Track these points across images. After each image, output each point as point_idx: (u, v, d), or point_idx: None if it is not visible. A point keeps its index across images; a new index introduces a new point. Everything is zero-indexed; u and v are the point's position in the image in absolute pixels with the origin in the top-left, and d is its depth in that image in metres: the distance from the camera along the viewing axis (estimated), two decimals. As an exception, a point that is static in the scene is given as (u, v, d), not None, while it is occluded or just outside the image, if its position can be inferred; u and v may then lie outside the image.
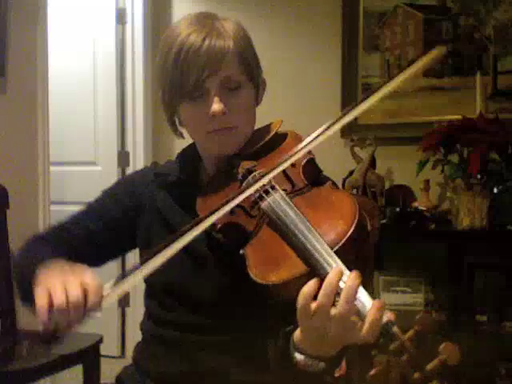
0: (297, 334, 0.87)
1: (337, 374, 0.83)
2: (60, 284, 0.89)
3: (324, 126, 0.95)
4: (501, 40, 2.63)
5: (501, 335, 2.34)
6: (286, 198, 0.97)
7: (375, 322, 0.78)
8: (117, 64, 3.45)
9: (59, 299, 0.87)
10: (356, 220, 0.88)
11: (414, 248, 2.53)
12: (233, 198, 0.93)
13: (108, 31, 3.45)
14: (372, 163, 2.68)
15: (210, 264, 1.10)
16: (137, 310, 3.30)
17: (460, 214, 2.37)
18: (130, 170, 3.43)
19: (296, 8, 3.08)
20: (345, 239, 0.87)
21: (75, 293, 0.88)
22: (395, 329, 0.78)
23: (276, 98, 3.03)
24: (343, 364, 0.82)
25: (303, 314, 0.83)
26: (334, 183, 1.17)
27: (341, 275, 0.81)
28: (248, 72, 1.13)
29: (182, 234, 0.89)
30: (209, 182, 1.16)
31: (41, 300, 0.87)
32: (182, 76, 1.08)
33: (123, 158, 3.50)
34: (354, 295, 0.80)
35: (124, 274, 0.89)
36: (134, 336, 3.23)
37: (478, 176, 2.34)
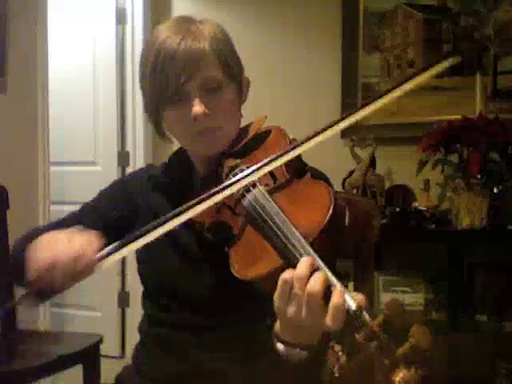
0: (277, 324, 0.89)
1: (337, 374, 0.83)
2: (53, 242, 0.91)
3: (310, 133, 0.97)
4: (501, 40, 2.62)
5: (501, 335, 2.34)
6: (266, 195, 0.99)
7: (336, 308, 0.78)
8: (117, 64, 3.45)
9: (51, 255, 0.88)
10: (330, 211, 0.89)
11: (414, 248, 2.53)
12: (210, 196, 0.94)
13: (108, 31, 3.45)
14: (372, 163, 2.68)
15: (200, 262, 1.11)
16: (137, 311, 3.29)
17: (460, 214, 2.37)
18: (129, 170, 3.43)
19: (296, 8, 3.08)
20: (319, 230, 0.88)
21: (67, 251, 0.89)
22: (364, 315, 0.78)
23: (276, 98, 3.04)
24: (343, 362, 0.82)
25: (279, 302, 0.84)
26: (314, 174, 1.18)
27: (311, 267, 0.82)
28: (228, 72, 1.12)
29: (165, 220, 0.91)
30: (200, 184, 1.16)
31: (32, 255, 0.90)
32: (162, 82, 1.08)
33: (123, 158, 3.50)
34: (320, 283, 0.80)
35: (122, 243, 0.90)
36: (134, 336, 3.22)
37: (478, 176, 2.34)
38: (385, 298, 2.54)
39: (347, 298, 0.79)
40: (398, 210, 2.53)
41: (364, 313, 0.78)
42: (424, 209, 2.53)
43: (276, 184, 1.03)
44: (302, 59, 3.05)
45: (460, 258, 2.39)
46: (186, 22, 1.13)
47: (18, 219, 2.47)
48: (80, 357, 2.26)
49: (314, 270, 0.82)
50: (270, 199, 0.97)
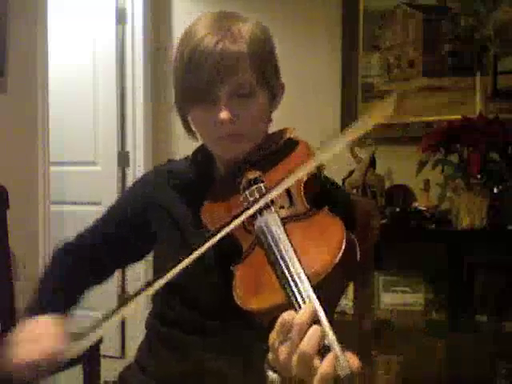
0: (270, 353, 0.86)
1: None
2: (29, 343, 1.03)
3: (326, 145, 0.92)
4: (501, 40, 2.63)
5: (501, 335, 2.34)
6: (279, 222, 0.95)
7: (325, 376, 0.74)
8: (117, 64, 3.45)
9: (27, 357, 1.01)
10: (339, 254, 0.85)
11: (414, 248, 2.53)
12: (234, 218, 0.94)
13: (108, 31, 3.45)
14: (372, 163, 2.68)
15: (210, 265, 1.10)
16: (137, 310, 3.30)
17: (460, 214, 2.37)
18: (129, 170, 3.43)
19: (296, 8, 3.08)
20: (324, 275, 0.84)
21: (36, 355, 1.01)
22: (355, 382, 0.74)
23: (276, 97, 3.04)
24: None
25: (273, 340, 0.81)
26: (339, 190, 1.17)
27: (312, 317, 0.77)
28: (262, 78, 1.10)
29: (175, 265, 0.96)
30: (216, 186, 1.15)
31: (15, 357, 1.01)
32: (194, 80, 1.06)
33: (123, 158, 3.49)
34: (316, 342, 0.76)
35: (93, 325, 1.04)
36: (134, 336, 3.23)
37: (478, 176, 2.34)
38: (385, 298, 2.54)
39: (341, 361, 0.74)
40: (398, 210, 2.53)
41: (355, 380, 0.73)
42: (424, 209, 2.53)
43: (292, 210, 0.98)
44: (302, 59, 3.05)
45: (460, 258, 2.39)
46: (227, 20, 1.10)
47: (18, 219, 2.47)
48: (80, 357, 2.26)
49: (313, 320, 0.77)
50: (283, 228, 0.93)
